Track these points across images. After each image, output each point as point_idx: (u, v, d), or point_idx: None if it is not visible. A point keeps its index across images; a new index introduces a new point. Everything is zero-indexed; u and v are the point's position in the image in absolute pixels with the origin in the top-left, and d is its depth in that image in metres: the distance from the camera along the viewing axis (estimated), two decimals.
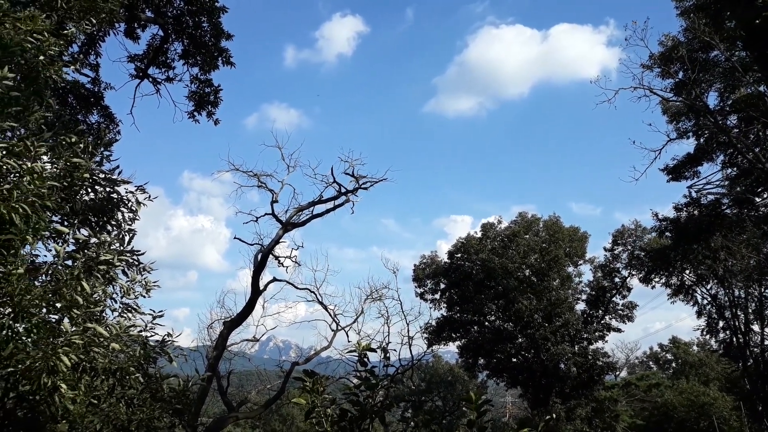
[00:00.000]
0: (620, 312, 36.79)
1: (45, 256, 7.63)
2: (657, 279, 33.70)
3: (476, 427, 4.67)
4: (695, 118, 24.06)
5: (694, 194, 25.99)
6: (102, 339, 6.48)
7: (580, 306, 37.52)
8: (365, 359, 5.48)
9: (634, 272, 36.05)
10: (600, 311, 36.60)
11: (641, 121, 21.85)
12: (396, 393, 43.01)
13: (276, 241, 23.06)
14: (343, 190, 23.65)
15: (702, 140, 25.22)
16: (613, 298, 36.98)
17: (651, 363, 64.33)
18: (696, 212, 26.32)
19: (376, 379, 5.33)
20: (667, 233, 29.07)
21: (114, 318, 7.39)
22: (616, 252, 36.92)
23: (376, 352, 5.66)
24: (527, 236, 35.61)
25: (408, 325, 34.21)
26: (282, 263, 24.70)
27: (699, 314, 35.02)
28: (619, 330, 37.02)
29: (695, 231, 25.93)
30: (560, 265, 34.91)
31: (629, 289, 37.21)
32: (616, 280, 36.86)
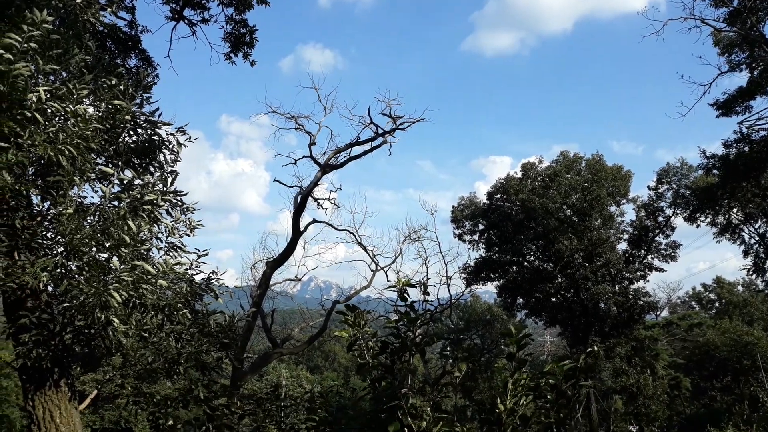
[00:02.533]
0: (663, 251, 36.17)
1: (92, 197, 7.84)
2: (702, 218, 32.92)
3: (516, 360, 4.70)
4: (749, 49, 22.83)
5: (745, 130, 24.99)
6: (150, 276, 6.70)
7: (622, 246, 37.00)
8: (405, 295, 5.53)
9: (678, 211, 35.23)
10: (642, 251, 36.05)
11: (690, 54, 20.90)
12: (435, 331, 43.79)
13: (315, 184, 23.23)
14: (380, 131, 23.50)
15: (756, 73, 23.98)
16: (656, 238, 36.30)
17: (693, 303, 63.55)
18: (746, 149, 25.35)
19: (416, 314, 5.39)
20: (715, 171, 28.17)
21: (160, 257, 7.61)
22: (660, 191, 36.00)
23: (415, 287, 5.71)
24: (569, 176, 34.93)
25: (446, 265, 34.46)
26: (321, 205, 24.95)
27: (746, 254, 34.28)
28: (661, 270, 36.51)
29: (745, 168, 25.05)
30: (602, 204, 34.27)
31: (673, 229, 36.48)
32: (660, 219, 36.09)
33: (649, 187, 36.53)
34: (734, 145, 26.10)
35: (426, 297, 5.68)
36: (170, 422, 7.80)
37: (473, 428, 5.11)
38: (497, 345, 53.63)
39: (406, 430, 5.13)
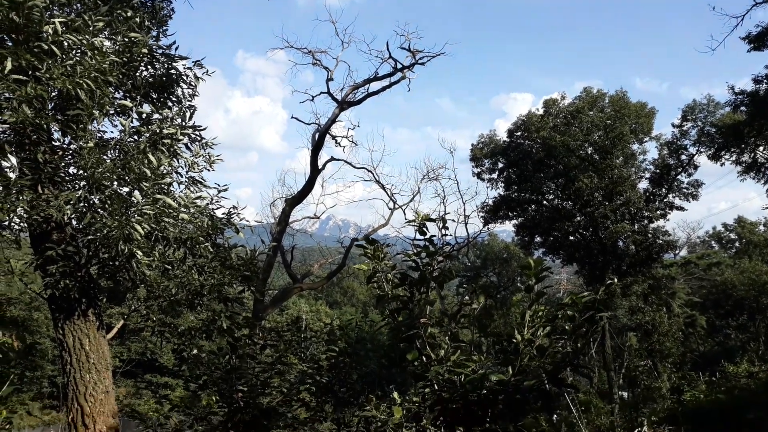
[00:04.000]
0: (684, 190, 35.61)
1: (112, 132, 7.86)
2: (727, 156, 32.21)
3: (534, 292, 4.74)
4: None
5: None
6: (171, 210, 6.78)
7: (643, 184, 36.48)
8: (424, 229, 5.55)
9: (702, 149, 34.45)
10: (663, 189, 35.54)
11: None
12: (451, 268, 44.18)
13: (332, 120, 23.07)
14: (398, 66, 23.08)
15: None
16: (678, 176, 35.70)
17: (713, 242, 63.13)
18: None
19: (434, 247, 5.41)
20: (743, 107, 27.33)
21: (181, 191, 7.69)
22: (684, 128, 35.11)
23: (434, 222, 5.72)
24: (591, 113, 34.16)
25: (464, 204, 34.49)
26: (339, 143, 24.88)
27: None
28: (682, 208, 36.06)
29: None
30: (624, 142, 33.61)
31: (696, 167, 35.78)
32: (683, 157, 35.37)
33: (673, 125, 35.68)
34: (765, 81, 25.23)
35: (445, 231, 5.68)
36: (194, 352, 8.04)
37: (489, 359, 5.22)
38: (513, 283, 54.17)
39: (423, 358, 5.25)
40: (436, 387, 5.17)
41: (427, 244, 5.44)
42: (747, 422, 6.45)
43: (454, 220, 32.58)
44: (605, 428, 15.61)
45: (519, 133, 36.02)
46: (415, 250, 5.50)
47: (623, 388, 32.68)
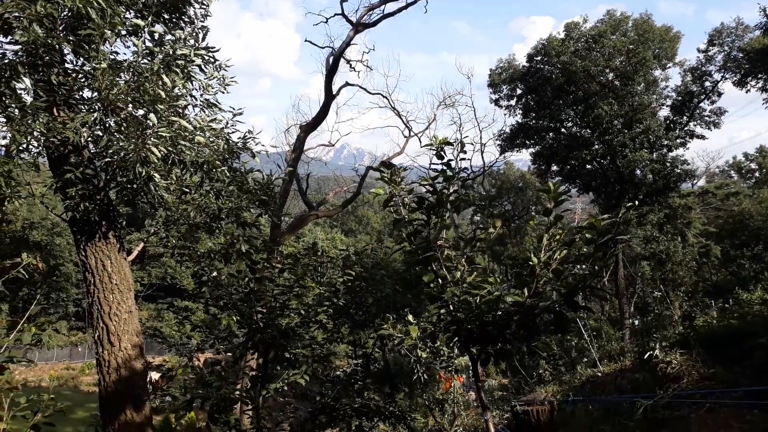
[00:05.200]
0: (706, 118, 34.71)
1: (125, 53, 7.71)
2: (754, 82, 31.22)
3: (552, 216, 4.70)
4: None
5: None
6: (187, 133, 6.75)
7: (664, 112, 35.63)
8: (442, 153, 5.48)
9: (728, 75, 33.32)
10: (685, 117, 34.69)
11: None
12: (468, 193, 44.18)
13: (347, 44, 22.53)
14: None
15: None
16: (701, 104, 34.76)
17: (732, 172, 62.21)
18: None
19: (452, 171, 5.36)
20: None
21: (196, 114, 7.63)
22: (710, 53, 33.85)
23: (452, 145, 5.63)
24: (614, 36, 32.97)
25: (481, 132, 34.10)
26: (353, 68, 24.41)
27: None
28: (702, 137, 35.30)
29: None
30: (647, 68, 32.58)
31: (719, 95, 34.72)
32: (707, 84, 34.27)
33: (698, 50, 34.41)
34: None
35: (463, 155, 5.60)
36: (214, 274, 8.20)
37: (505, 281, 5.25)
38: (528, 212, 54.18)
39: (439, 280, 5.30)
40: (452, 308, 5.24)
41: (444, 168, 5.39)
42: (759, 346, 6.52)
43: (471, 144, 32.24)
44: (615, 353, 15.98)
45: (539, 58, 35.03)
46: (431, 176, 5.46)
47: (634, 317, 33.15)
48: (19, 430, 5.81)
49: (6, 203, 6.79)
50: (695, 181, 48.31)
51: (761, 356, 6.32)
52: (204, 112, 7.53)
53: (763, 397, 5.57)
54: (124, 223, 8.26)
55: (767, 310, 9.33)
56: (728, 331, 7.58)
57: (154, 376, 10.15)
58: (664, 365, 7.66)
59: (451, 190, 5.40)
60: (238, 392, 8.44)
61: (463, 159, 5.55)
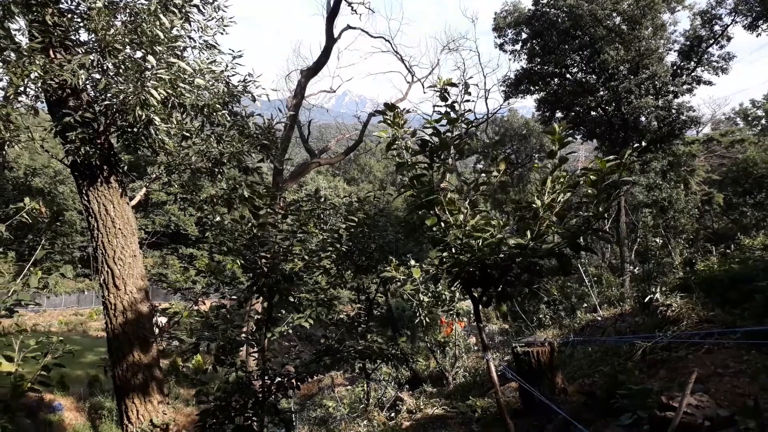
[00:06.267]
0: (714, 63, 33.98)
1: None
2: (765, 26, 30.46)
3: (557, 158, 4.66)
4: None
5: None
6: (186, 75, 6.63)
7: (671, 57, 34.92)
8: (446, 94, 5.38)
9: (738, 19, 32.47)
10: (692, 63, 34.01)
11: None
12: (469, 146, 43.81)
13: None
14: None
15: None
16: (709, 48, 33.99)
17: (738, 119, 61.42)
18: None
19: (456, 113, 5.28)
20: None
21: (195, 56, 7.49)
22: None
23: (457, 86, 5.54)
24: None
25: (485, 77, 33.64)
26: (355, 10, 23.82)
27: None
28: (710, 83, 34.66)
29: None
30: (655, 11, 31.71)
31: (729, 39, 33.93)
32: (716, 28, 33.44)
33: None
34: None
35: (467, 96, 5.50)
36: (217, 219, 8.20)
37: (508, 223, 5.25)
38: (531, 160, 53.87)
39: (442, 224, 5.30)
40: (454, 251, 5.26)
41: (448, 110, 5.30)
42: (759, 289, 6.57)
43: (476, 85, 31.74)
44: (615, 299, 16.14)
45: (545, 1, 34.11)
46: (434, 119, 5.38)
47: (635, 264, 33.38)
48: (30, 372, 5.93)
49: (6, 147, 6.74)
50: (700, 129, 47.78)
51: (761, 299, 6.37)
52: (203, 54, 7.39)
53: (761, 338, 5.64)
54: (126, 168, 8.21)
55: None
56: (729, 275, 7.63)
57: (162, 320, 10.30)
58: (664, 308, 7.74)
59: (454, 133, 5.33)
60: (244, 335, 8.58)
61: (468, 100, 5.44)
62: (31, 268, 6.50)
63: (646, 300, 8.59)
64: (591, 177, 4.35)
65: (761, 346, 5.58)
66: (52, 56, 6.76)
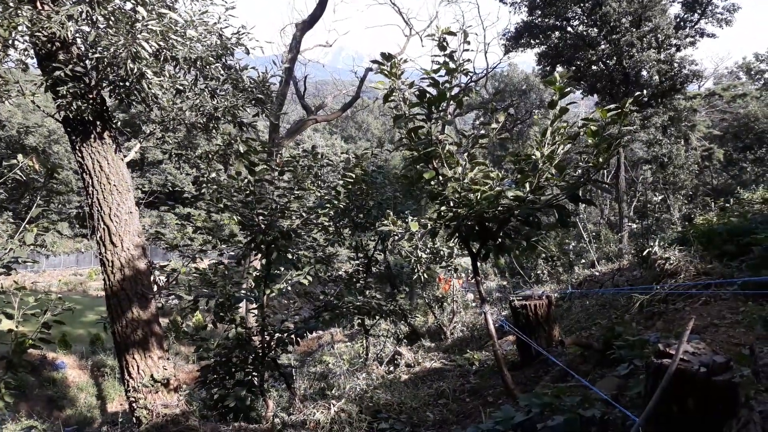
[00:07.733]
0: (719, 15, 33.36)
1: None
2: None
3: (557, 108, 4.56)
4: None
5: None
6: (178, 26, 6.46)
7: (675, 9, 34.30)
8: (444, 44, 5.24)
9: None
10: (696, 15, 33.39)
11: None
12: (469, 102, 43.34)
13: None
14: None
15: None
16: (713, 0, 33.29)
17: (741, 74, 60.61)
18: None
19: (455, 63, 5.15)
20: None
21: (187, 8, 7.29)
22: None
23: (455, 35, 5.39)
24: None
25: (485, 30, 32.89)
26: None
27: None
28: (713, 36, 34.07)
29: None
30: None
31: None
32: None
33: None
34: None
35: (466, 45, 5.36)
36: (213, 175, 8.12)
37: (507, 176, 5.19)
38: (531, 116, 53.39)
39: (440, 177, 5.23)
40: (452, 204, 5.21)
41: (446, 60, 5.17)
42: (757, 241, 6.56)
43: (476, 35, 31.14)
44: (614, 254, 16.20)
45: None
46: (433, 69, 5.25)
47: (633, 220, 33.44)
48: (31, 331, 5.95)
49: None
50: (702, 83, 47.27)
51: (759, 251, 6.36)
52: (195, 4, 7.19)
53: (757, 289, 5.65)
54: (120, 125, 8.08)
55: None
56: (727, 229, 7.61)
57: (162, 279, 10.32)
58: (662, 261, 7.75)
59: (453, 84, 5.21)
60: (243, 291, 8.60)
61: (467, 50, 5.30)
62: (27, 226, 6.46)
63: (644, 253, 8.59)
64: (591, 127, 4.27)
65: (757, 297, 5.59)
66: (40, 7, 6.57)
